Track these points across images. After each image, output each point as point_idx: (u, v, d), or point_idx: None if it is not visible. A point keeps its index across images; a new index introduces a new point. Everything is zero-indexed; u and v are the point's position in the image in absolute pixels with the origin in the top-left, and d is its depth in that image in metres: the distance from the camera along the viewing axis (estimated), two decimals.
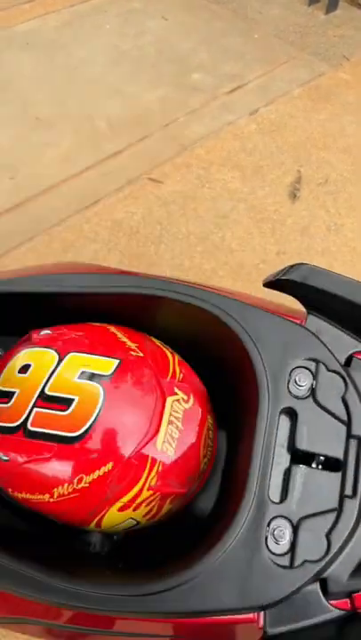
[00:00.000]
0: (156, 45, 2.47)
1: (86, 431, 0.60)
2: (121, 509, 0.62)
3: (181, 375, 0.66)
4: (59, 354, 0.64)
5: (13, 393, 0.64)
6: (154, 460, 0.60)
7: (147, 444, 0.60)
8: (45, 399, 0.61)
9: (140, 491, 0.61)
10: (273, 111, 2.22)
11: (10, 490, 0.65)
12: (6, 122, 2.10)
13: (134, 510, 0.62)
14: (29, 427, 0.61)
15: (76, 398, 0.61)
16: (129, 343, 0.66)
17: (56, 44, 2.45)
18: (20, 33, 2.48)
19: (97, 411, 0.60)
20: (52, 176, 1.96)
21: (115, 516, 0.63)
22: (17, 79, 2.26)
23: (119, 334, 0.67)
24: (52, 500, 0.61)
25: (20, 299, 0.73)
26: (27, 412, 0.61)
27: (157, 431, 0.61)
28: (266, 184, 1.97)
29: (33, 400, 0.62)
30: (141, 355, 0.65)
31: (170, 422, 0.62)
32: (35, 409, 0.61)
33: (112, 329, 0.68)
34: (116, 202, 1.90)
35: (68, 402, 0.61)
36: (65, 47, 2.44)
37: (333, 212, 1.88)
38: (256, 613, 0.53)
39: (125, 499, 0.61)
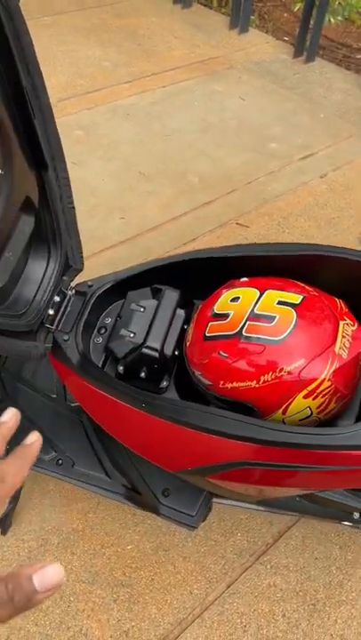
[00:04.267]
0: (236, 120, 2.90)
1: (286, 336, 0.87)
2: (306, 396, 0.88)
3: (345, 310, 0.93)
4: (259, 290, 0.92)
5: (229, 314, 0.92)
6: (333, 359, 0.87)
7: (328, 347, 0.87)
8: (255, 316, 0.89)
9: (322, 382, 0.87)
10: (340, 175, 2.59)
11: (221, 382, 0.92)
12: (115, 175, 2.49)
13: (313, 399, 0.88)
14: (244, 333, 0.89)
15: (277, 316, 0.89)
16: (307, 288, 0.94)
17: (151, 116, 2.89)
18: (122, 106, 2.94)
19: (293, 324, 0.88)
20: (155, 218, 2.32)
21: (299, 403, 0.88)
22: (121, 142, 2.68)
23: (298, 283, 0.96)
24: (257, 385, 0.88)
25: (220, 262, 1.03)
26: (241, 324, 0.89)
27: (335, 340, 0.88)
28: (338, 232, 2.29)
29: (246, 317, 0.90)
30: (317, 294, 0.93)
31: (343, 336, 0.88)
32: (248, 322, 0.89)
33: (290, 280, 0.97)
34: (209, 240, 2.23)
35: (272, 318, 0.89)
36: (159, 118, 2.88)
37: None
38: None
39: (311, 387, 0.87)
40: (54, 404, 1.32)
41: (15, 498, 1.39)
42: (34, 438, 0.46)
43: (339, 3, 3.32)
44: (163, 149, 2.68)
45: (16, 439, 1.26)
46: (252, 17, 3.70)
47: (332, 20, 3.35)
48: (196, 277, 1.08)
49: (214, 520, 1.43)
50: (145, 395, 0.93)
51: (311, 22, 3.26)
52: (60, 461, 1.25)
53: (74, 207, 1.05)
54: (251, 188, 2.51)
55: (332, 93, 3.16)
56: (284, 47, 3.56)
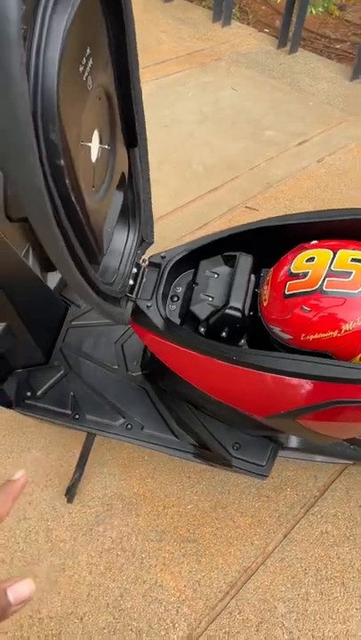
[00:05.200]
0: (231, 109, 3.00)
1: None
2: None
3: None
4: (333, 251, 1.03)
5: (307, 272, 1.02)
6: None
7: None
8: (332, 273, 0.99)
9: None
10: (336, 159, 2.72)
11: (303, 335, 1.01)
12: None
13: None
14: (324, 288, 0.99)
15: (353, 271, 0.99)
16: None
17: (148, 107, 2.95)
18: None
19: None
20: (166, 206, 2.40)
21: None
22: None
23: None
24: (338, 335, 0.98)
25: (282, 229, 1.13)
26: (321, 280, 0.99)
27: None
28: None
29: (324, 274, 1.00)
30: None
31: None
32: (327, 279, 0.99)
33: (355, 241, 1.07)
34: (221, 224, 2.33)
35: (349, 274, 0.99)
36: (156, 109, 2.95)
37: None
38: None
39: None
40: (117, 375, 1.40)
41: (81, 466, 1.46)
42: (19, 475, 0.50)
43: None
44: (164, 140, 2.76)
45: (86, 407, 1.35)
46: (233, 10, 3.80)
47: (313, 11, 3.48)
48: (260, 245, 1.17)
49: None
50: (233, 349, 1.02)
51: (293, 14, 3.39)
52: (130, 426, 1.33)
53: (150, 187, 1.14)
54: (253, 174, 2.61)
55: (318, 82, 3.30)
56: (267, 39, 3.68)
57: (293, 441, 1.30)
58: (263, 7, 4.11)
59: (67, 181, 0.68)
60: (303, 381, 0.95)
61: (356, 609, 1.34)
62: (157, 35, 3.52)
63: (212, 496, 1.50)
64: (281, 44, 3.56)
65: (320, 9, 3.52)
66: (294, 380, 0.96)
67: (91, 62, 0.74)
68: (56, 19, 0.60)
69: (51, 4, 0.59)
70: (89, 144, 0.81)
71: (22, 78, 0.54)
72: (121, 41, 0.84)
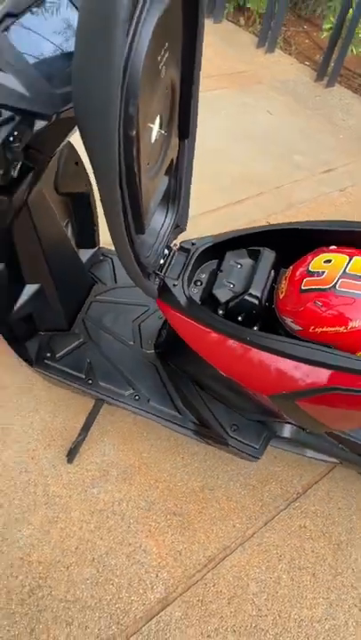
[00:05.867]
0: (264, 131, 3.14)
1: None
2: None
3: None
4: (349, 256, 1.14)
5: (323, 272, 1.13)
6: None
7: None
8: (347, 275, 1.10)
9: None
10: (358, 190, 2.85)
11: (312, 327, 1.12)
12: None
13: None
14: (338, 288, 1.10)
15: None
16: None
17: None
18: None
19: None
20: (193, 209, 2.52)
21: None
22: None
23: None
24: (345, 330, 1.09)
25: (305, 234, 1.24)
26: (335, 280, 1.10)
27: None
28: None
29: (339, 275, 1.11)
30: None
31: None
32: (341, 279, 1.10)
33: None
34: None
35: (360, 277, 1.10)
36: None
37: None
38: None
39: None
40: (131, 350, 1.51)
41: (85, 430, 1.56)
42: None
43: None
44: (198, 151, 2.89)
45: (100, 375, 1.47)
46: (278, 39, 3.97)
47: (354, 50, 3.64)
48: (283, 245, 1.28)
49: (252, 469, 1.63)
50: (248, 331, 1.13)
51: (335, 51, 3.56)
52: (137, 397, 1.43)
53: (191, 179, 1.26)
54: (278, 193, 2.74)
55: (350, 117, 3.44)
56: (306, 70, 3.84)
57: (286, 431, 1.40)
58: (307, 41, 4.28)
59: (134, 150, 0.80)
60: (308, 366, 1.06)
61: (323, 598, 1.42)
62: (203, 51, 3.67)
63: (202, 478, 1.59)
64: (319, 77, 3.72)
65: None
66: (300, 364, 1.06)
67: (167, 55, 0.86)
68: (150, 11, 0.72)
69: (147, 4, 0.71)
70: (152, 125, 0.93)
71: (121, 52, 0.65)
72: (191, 46, 0.97)
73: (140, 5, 0.70)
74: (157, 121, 0.96)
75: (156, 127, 0.96)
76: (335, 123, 3.37)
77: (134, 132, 0.77)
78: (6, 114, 0.79)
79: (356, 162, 3.06)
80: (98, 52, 0.66)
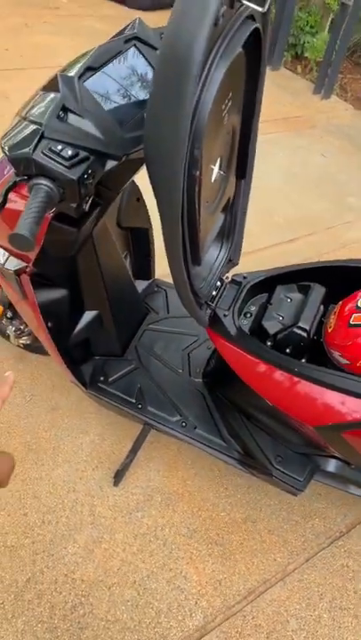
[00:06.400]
0: (317, 173, 3.21)
1: None
2: None
3: None
4: None
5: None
6: None
7: None
8: None
9: None
10: None
11: (360, 362, 1.14)
12: None
13: None
14: (351, 322, 1.12)
15: None
16: None
17: None
18: None
19: None
20: (246, 246, 2.58)
21: None
22: None
23: None
24: None
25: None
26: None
27: None
28: None
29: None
30: None
31: None
32: (354, 314, 1.13)
33: None
34: None
35: None
36: None
37: None
38: None
39: None
40: (180, 378, 1.56)
41: (133, 452, 1.61)
42: (7, 373, 0.63)
43: None
44: (253, 190, 2.98)
45: (149, 400, 1.52)
46: (334, 86, 4.07)
47: None
48: (332, 281, 1.32)
49: (296, 504, 1.63)
50: (296, 362, 1.16)
51: None
52: (185, 424, 1.47)
53: (246, 216, 1.33)
54: (330, 233, 2.78)
55: None
56: None
57: (331, 466, 1.40)
58: None
59: (196, 189, 0.87)
60: (356, 399, 1.08)
61: None
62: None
63: (245, 509, 1.60)
64: None
65: None
66: (347, 397, 1.09)
67: (230, 104, 0.93)
68: (218, 67, 0.79)
69: (218, 58, 0.79)
70: (213, 167, 1.00)
71: (191, 103, 0.73)
72: (252, 94, 1.04)
73: (210, 61, 0.78)
74: (218, 162, 1.03)
75: (216, 168, 1.03)
76: None
77: (197, 173, 0.84)
78: (83, 154, 0.87)
79: None
80: (171, 101, 0.74)
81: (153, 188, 0.86)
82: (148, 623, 1.36)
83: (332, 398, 1.11)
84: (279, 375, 1.16)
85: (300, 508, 1.63)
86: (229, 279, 1.35)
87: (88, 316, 1.45)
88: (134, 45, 1.01)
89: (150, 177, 0.85)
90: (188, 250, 0.98)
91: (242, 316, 1.34)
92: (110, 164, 0.94)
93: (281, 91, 3.98)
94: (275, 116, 3.65)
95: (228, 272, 1.37)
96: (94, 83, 0.94)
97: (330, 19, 4.18)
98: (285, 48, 4.17)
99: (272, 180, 3.08)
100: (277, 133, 3.49)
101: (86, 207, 0.98)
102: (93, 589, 1.40)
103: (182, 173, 0.81)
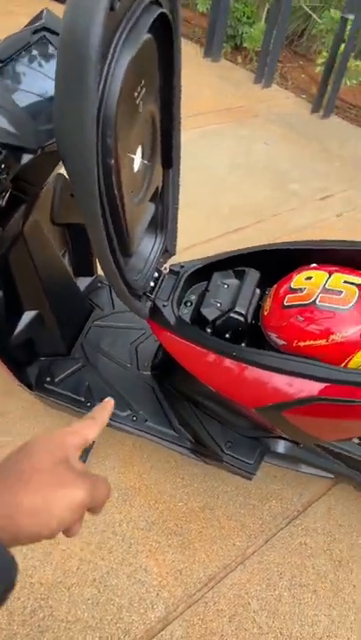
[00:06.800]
0: (261, 162, 3.24)
1: (352, 306, 1.12)
2: None
3: None
4: (328, 273, 1.18)
5: (304, 288, 1.17)
6: None
7: None
8: (326, 290, 1.15)
9: None
10: (355, 216, 2.92)
11: (295, 342, 1.16)
12: None
13: None
14: (318, 302, 1.14)
15: (344, 291, 1.14)
16: None
17: (186, 151, 3.20)
18: None
19: (356, 297, 1.13)
20: (192, 239, 2.59)
21: (358, 359, 1.13)
22: None
23: (355, 270, 1.22)
24: (326, 343, 1.13)
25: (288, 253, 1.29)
26: (315, 295, 1.15)
27: None
28: None
29: (319, 291, 1.15)
30: None
31: None
32: (320, 294, 1.15)
33: (349, 268, 1.23)
34: None
35: (340, 292, 1.14)
36: (193, 154, 3.19)
37: None
38: None
39: None
40: (128, 372, 1.55)
41: (87, 451, 1.59)
42: (107, 399, 0.61)
43: (354, 69, 3.74)
44: (197, 181, 2.98)
45: (98, 397, 1.51)
46: (274, 75, 4.12)
47: (348, 82, 3.75)
48: (268, 265, 1.34)
49: (252, 488, 1.65)
50: (234, 346, 1.17)
51: (329, 84, 3.68)
52: (135, 418, 1.47)
53: (178, 205, 1.33)
54: (276, 221, 2.81)
55: (346, 146, 3.54)
56: (303, 103, 3.96)
57: (281, 446, 1.42)
58: (303, 75, 4.43)
59: (113, 178, 0.86)
60: (291, 378, 1.10)
61: (325, 615, 1.42)
62: (202, 89, 3.82)
63: (202, 498, 1.61)
64: (315, 109, 3.84)
65: (354, 81, 3.80)
66: (284, 377, 1.10)
67: (143, 91, 0.93)
68: (122, 53, 0.79)
69: (121, 44, 0.78)
70: (133, 156, 1.00)
71: (94, 90, 0.72)
72: (168, 82, 1.04)
73: (112, 47, 0.78)
74: (139, 151, 1.03)
75: (138, 157, 1.03)
76: (331, 151, 3.46)
77: (112, 162, 0.84)
78: None
79: (352, 188, 3.14)
80: (73, 89, 0.73)
81: (69, 179, 0.85)
82: (109, 620, 1.36)
83: (270, 379, 1.13)
84: (218, 360, 1.17)
85: (257, 492, 1.65)
86: (168, 269, 1.35)
87: (28, 316, 1.42)
88: (44, 36, 1.00)
89: (65, 168, 0.84)
90: (114, 241, 0.97)
91: (182, 305, 1.35)
92: (26, 157, 0.93)
93: (222, 82, 4.00)
94: (217, 107, 3.66)
95: (165, 263, 1.37)
96: (3, 75, 0.92)
97: (266, 9, 4.22)
98: (224, 39, 4.19)
99: (217, 170, 3.09)
100: (220, 124, 3.51)
101: (3, 202, 0.96)
102: (52, 591, 1.38)
103: (96, 162, 0.80)
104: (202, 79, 3.94)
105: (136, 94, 0.90)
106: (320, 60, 3.75)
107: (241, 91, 3.93)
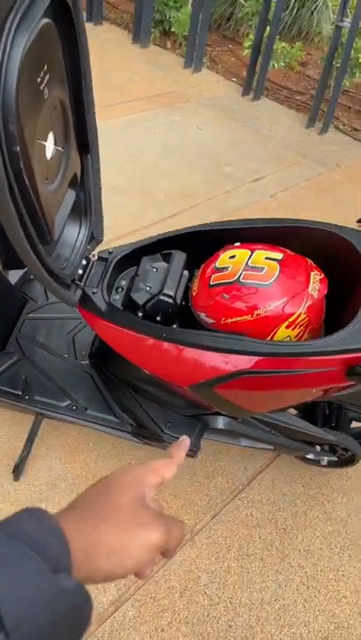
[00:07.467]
0: (194, 146, 3.26)
1: (273, 281, 1.16)
2: (287, 327, 1.17)
3: (313, 265, 1.24)
4: (250, 250, 1.22)
5: (228, 267, 1.20)
6: (307, 298, 1.16)
7: (303, 289, 1.17)
8: (248, 267, 1.18)
9: (299, 315, 1.16)
10: (288, 195, 2.98)
11: (223, 319, 1.19)
12: None
13: (293, 329, 1.17)
14: (241, 280, 1.17)
15: (265, 267, 1.18)
16: (285, 250, 1.25)
17: (118, 140, 3.20)
18: None
19: (277, 272, 1.17)
20: (128, 226, 2.60)
21: (282, 332, 1.17)
22: None
23: (277, 246, 1.26)
24: (251, 318, 1.16)
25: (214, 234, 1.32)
26: (239, 273, 1.18)
27: (308, 284, 1.18)
28: None
29: (242, 268, 1.18)
30: (293, 254, 1.24)
31: (313, 282, 1.19)
32: (243, 272, 1.18)
33: (272, 245, 1.27)
34: None
35: (261, 268, 1.18)
36: (125, 142, 3.19)
37: None
38: None
39: (291, 319, 1.16)
40: (66, 362, 1.55)
41: (29, 445, 1.59)
42: (182, 438, 0.62)
43: (281, 51, 3.80)
44: (131, 169, 2.98)
45: (36, 390, 1.49)
46: (204, 59, 4.13)
47: (275, 65, 3.81)
48: (195, 246, 1.36)
49: (198, 465, 1.68)
50: (164, 328, 1.19)
51: (257, 66, 3.73)
52: (75, 407, 1.47)
53: (101, 190, 1.32)
54: (211, 204, 2.85)
55: (277, 127, 3.60)
56: (233, 86, 4.00)
57: (219, 422, 1.46)
58: (232, 59, 4.46)
59: (21, 166, 0.86)
60: (218, 354, 1.13)
61: (272, 581, 1.48)
62: (131, 76, 3.80)
63: None
64: (245, 91, 3.88)
65: (282, 63, 3.86)
66: (213, 354, 1.13)
67: (47, 76, 0.92)
68: (17, 38, 0.78)
69: (14, 28, 0.77)
70: (44, 143, 0.99)
71: None
72: (75, 66, 1.04)
73: (5, 32, 0.77)
74: (51, 138, 1.02)
75: (49, 144, 1.02)
76: (263, 133, 3.51)
77: (17, 148, 0.83)
78: None
79: (284, 169, 3.20)
80: None
81: None
82: None
83: (200, 357, 1.15)
84: (149, 343, 1.19)
85: (203, 469, 1.68)
86: (96, 256, 1.35)
87: None
88: None
89: None
90: (30, 229, 0.97)
91: (114, 291, 1.35)
92: None
93: (152, 67, 3.98)
94: (148, 94, 3.65)
95: (93, 250, 1.37)
96: None
97: None
98: (152, 25, 4.17)
99: (150, 156, 3.09)
100: (152, 110, 3.50)
101: None
102: None
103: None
104: (131, 65, 3.92)
105: (39, 80, 0.90)
106: (247, 43, 3.79)
107: (171, 76, 3.93)
